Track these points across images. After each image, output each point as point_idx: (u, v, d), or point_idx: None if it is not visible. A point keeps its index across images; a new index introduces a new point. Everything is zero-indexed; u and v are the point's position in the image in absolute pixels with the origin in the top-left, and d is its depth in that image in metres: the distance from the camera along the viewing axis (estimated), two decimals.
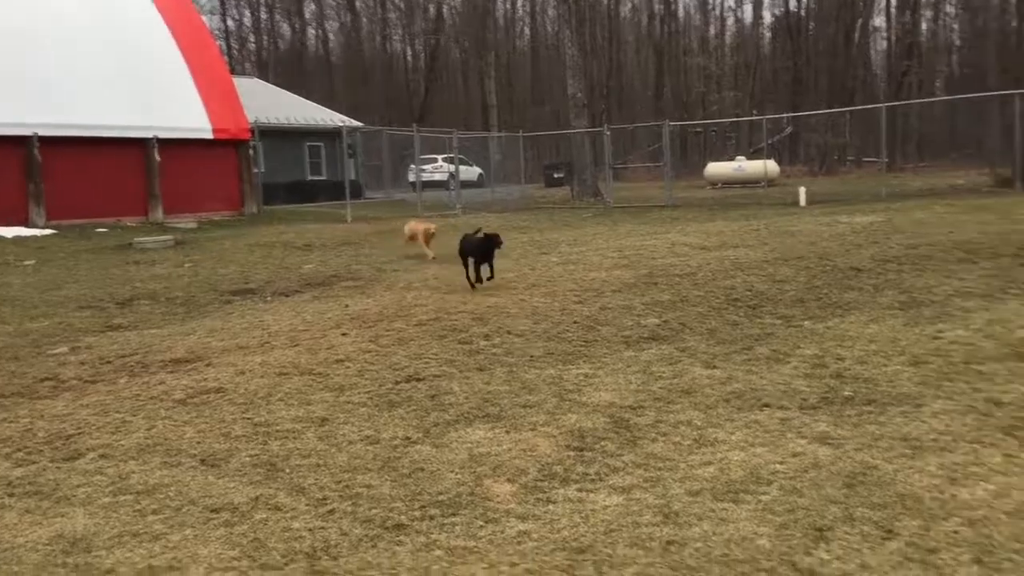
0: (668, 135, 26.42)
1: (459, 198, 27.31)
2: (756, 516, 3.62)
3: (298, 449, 4.73)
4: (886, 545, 3.30)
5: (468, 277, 9.83)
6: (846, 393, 5.30)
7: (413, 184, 30.96)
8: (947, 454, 4.19)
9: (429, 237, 13.75)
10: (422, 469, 4.36)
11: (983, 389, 5.18)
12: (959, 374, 5.53)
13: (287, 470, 4.42)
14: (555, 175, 39.79)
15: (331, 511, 3.88)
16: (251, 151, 27.46)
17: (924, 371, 5.65)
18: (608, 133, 27.70)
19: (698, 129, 48.96)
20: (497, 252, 9.73)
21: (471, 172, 39.31)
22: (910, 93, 48.97)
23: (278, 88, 43.22)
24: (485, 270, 9.77)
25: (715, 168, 35.49)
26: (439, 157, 38.48)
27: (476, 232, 9.92)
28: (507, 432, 4.88)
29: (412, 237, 14.22)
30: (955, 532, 3.37)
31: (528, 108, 62.58)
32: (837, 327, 7.08)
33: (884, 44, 60.39)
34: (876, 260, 9.98)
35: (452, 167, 32.01)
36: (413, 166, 31.92)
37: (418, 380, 6.06)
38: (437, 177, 36.83)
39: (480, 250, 9.69)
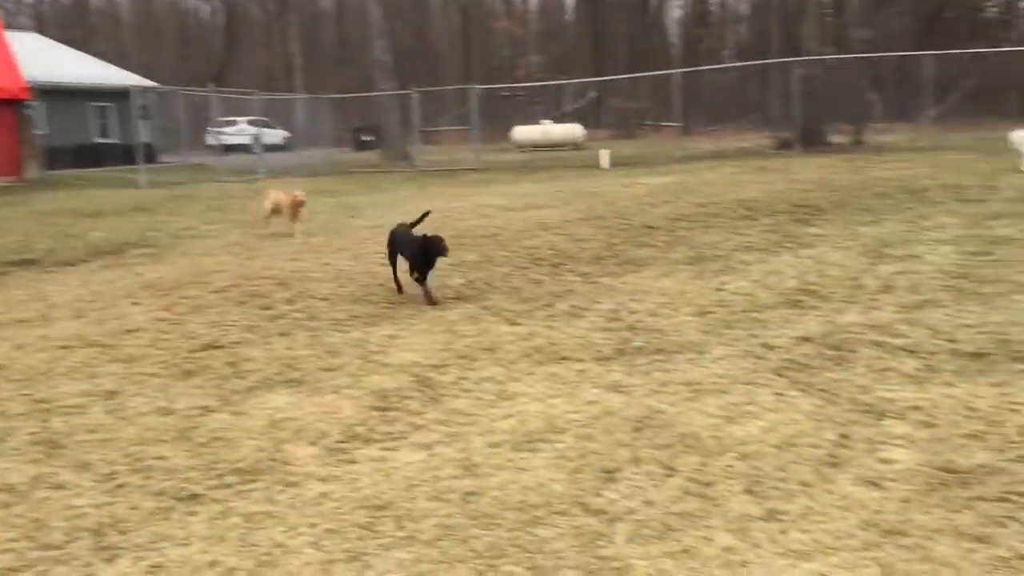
0: (476, 99, 26.57)
1: (263, 162, 26.43)
2: (552, 463, 3.76)
3: (83, 424, 4.48)
4: (668, 482, 3.52)
5: (395, 279, 7.42)
6: (637, 343, 5.57)
7: (213, 148, 29.67)
8: (725, 395, 4.50)
9: (297, 208, 11.28)
10: (219, 438, 4.24)
11: (759, 335, 5.59)
12: (739, 322, 5.94)
13: (71, 447, 4.18)
14: (364, 138, 39.19)
15: (120, 486, 3.71)
16: (30, 112, 25.43)
17: (708, 320, 6.03)
18: (416, 96, 27.53)
19: (505, 93, 49.50)
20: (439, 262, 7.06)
21: (276, 135, 38.07)
22: (703, 60, 51.44)
23: (60, 44, 40.10)
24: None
25: (522, 132, 36.05)
26: (241, 119, 37.00)
27: (411, 225, 7.44)
28: (309, 396, 4.82)
29: (275, 210, 11.51)
30: (729, 466, 3.64)
31: (334, 69, 61.12)
32: (632, 282, 7.42)
33: (679, 12, 63.08)
34: (669, 218, 10.51)
35: (255, 130, 30.88)
36: (212, 129, 30.59)
37: (216, 348, 5.87)
38: (239, 140, 35.41)
39: (413, 252, 7.03)
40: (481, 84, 31.40)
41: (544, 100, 46.41)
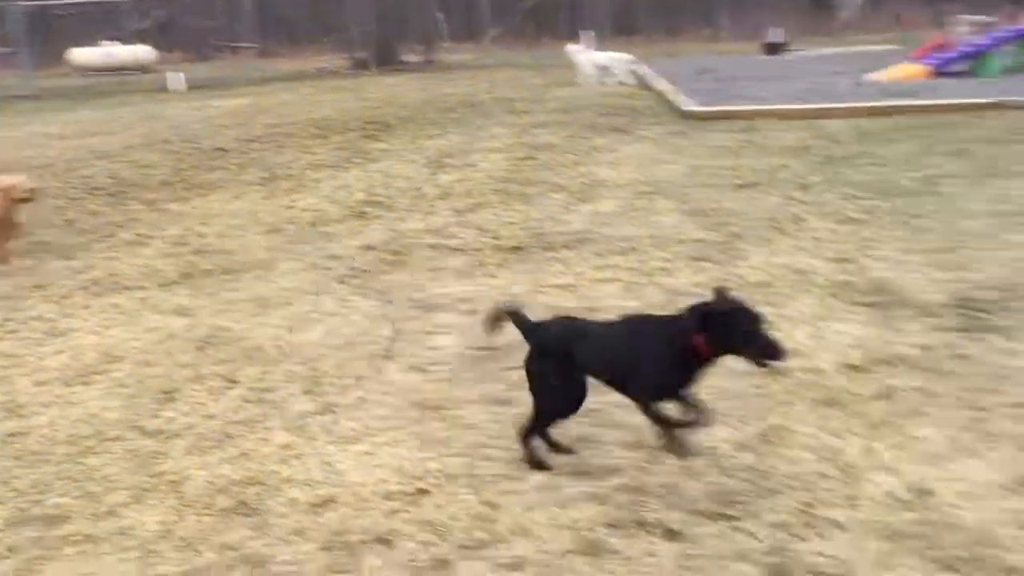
0: (20, 18, 23.62)
1: None
2: (107, 393, 3.64)
3: None
4: (229, 394, 3.58)
5: (529, 454, 2.95)
6: (205, 267, 5.49)
7: None
8: (290, 307, 4.62)
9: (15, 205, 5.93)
10: None
11: (326, 248, 5.77)
12: (307, 237, 6.08)
13: None
14: None
15: None
16: None
17: (278, 238, 6.10)
18: None
19: (59, 12, 44.38)
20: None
21: None
22: None
23: None
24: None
25: (81, 55, 32.69)
26: None
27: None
28: None
29: None
30: (291, 371, 3.78)
31: None
32: (202, 206, 7.23)
33: None
34: (241, 140, 10.32)
35: None
36: None
37: None
38: None
39: (647, 358, 2.77)
40: (24, 0, 27.84)
41: (104, 19, 42.40)
